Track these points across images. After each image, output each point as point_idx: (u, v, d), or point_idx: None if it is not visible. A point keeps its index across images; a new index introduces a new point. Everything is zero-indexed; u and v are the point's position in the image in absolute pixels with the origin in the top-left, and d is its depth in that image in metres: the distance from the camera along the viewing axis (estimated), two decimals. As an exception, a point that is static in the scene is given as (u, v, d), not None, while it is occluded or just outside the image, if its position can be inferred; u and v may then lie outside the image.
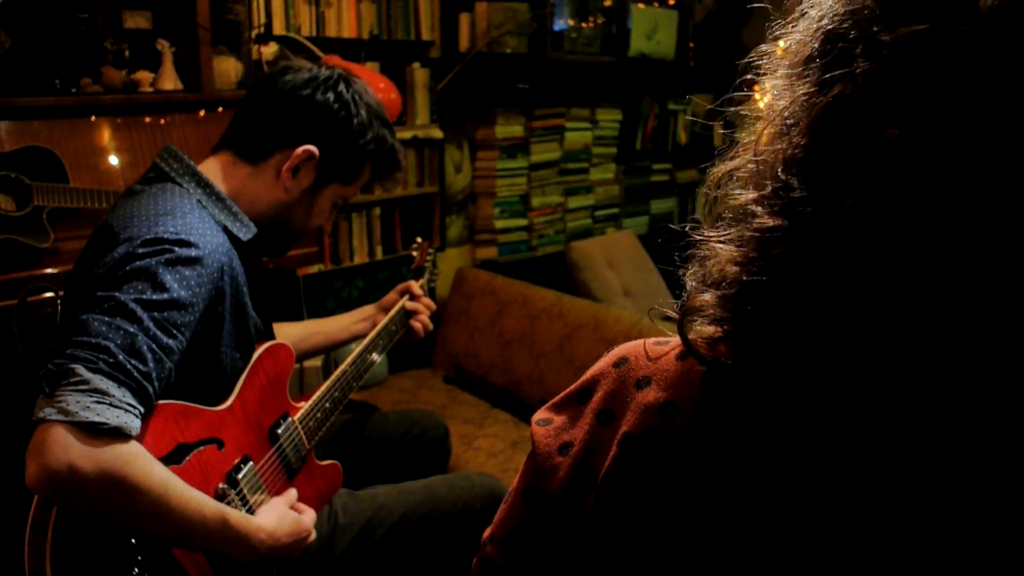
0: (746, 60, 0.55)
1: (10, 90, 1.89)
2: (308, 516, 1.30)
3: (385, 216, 2.99)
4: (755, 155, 0.52)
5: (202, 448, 1.15)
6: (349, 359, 1.58)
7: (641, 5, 3.78)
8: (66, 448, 0.93)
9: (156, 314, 1.05)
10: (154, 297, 1.06)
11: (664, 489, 0.51)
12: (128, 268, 1.08)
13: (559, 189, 3.64)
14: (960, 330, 0.42)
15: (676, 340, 0.56)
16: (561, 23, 3.45)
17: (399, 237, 3.04)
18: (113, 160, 2.05)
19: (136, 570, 1.05)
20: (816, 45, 0.48)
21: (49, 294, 1.73)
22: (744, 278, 0.49)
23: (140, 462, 0.99)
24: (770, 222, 0.48)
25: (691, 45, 4.12)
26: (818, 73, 0.48)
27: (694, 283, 0.54)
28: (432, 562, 1.46)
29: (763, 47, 0.55)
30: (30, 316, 1.66)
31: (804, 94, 0.48)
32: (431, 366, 2.99)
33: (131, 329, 1.02)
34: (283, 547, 1.20)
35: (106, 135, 2.05)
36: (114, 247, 1.12)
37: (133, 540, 1.05)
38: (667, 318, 0.58)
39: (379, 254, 2.98)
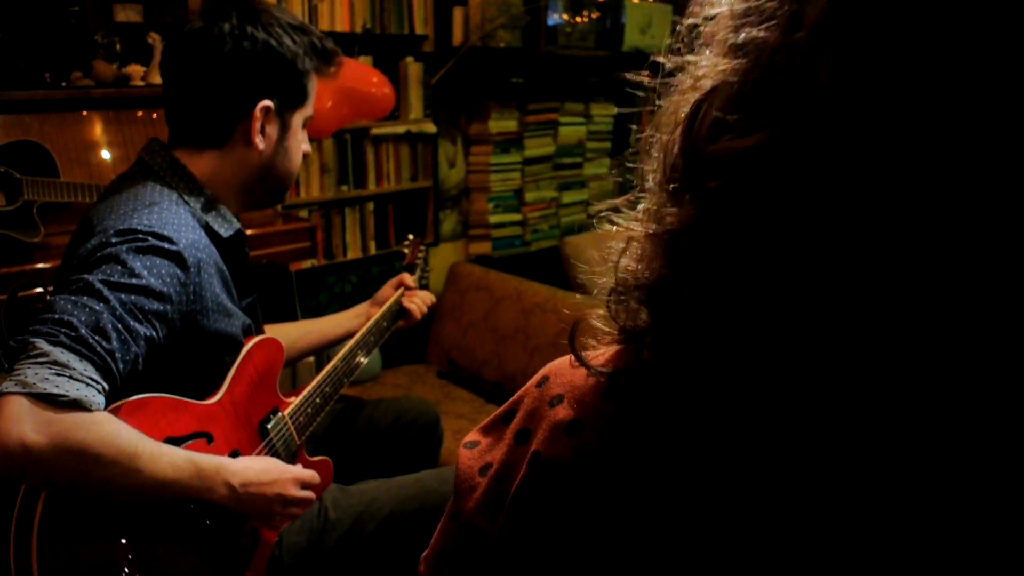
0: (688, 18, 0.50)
1: (0, 84, 1.88)
2: (307, 472, 1.27)
3: (378, 211, 2.98)
4: (649, 139, 0.49)
5: (191, 442, 1.15)
6: (340, 355, 1.57)
7: (635, -1, 3.77)
8: (18, 420, 0.90)
9: (123, 296, 1.04)
10: (122, 280, 1.05)
11: (567, 509, 0.50)
12: (99, 255, 1.07)
13: (553, 184, 3.64)
14: (834, 324, 0.40)
15: (594, 354, 0.54)
16: (555, 17, 3.45)
17: (392, 232, 3.04)
18: (104, 154, 2.04)
19: (127, 569, 1.04)
20: (730, 21, 0.44)
21: (39, 289, 1.72)
22: (629, 282, 0.48)
23: (104, 427, 0.96)
24: (641, 229, 0.47)
25: (685, 40, 4.11)
26: (720, 54, 0.44)
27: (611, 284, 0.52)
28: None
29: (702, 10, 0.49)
30: (20, 311, 1.65)
31: (696, 80, 0.45)
32: (425, 361, 2.99)
33: (97, 307, 1.01)
34: (260, 487, 1.16)
35: (97, 129, 2.04)
36: (89, 238, 1.12)
37: (123, 540, 1.05)
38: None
39: (372, 249, 2.98)
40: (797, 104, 0.39)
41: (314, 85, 1.37)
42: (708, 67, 0.44)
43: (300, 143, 1.38)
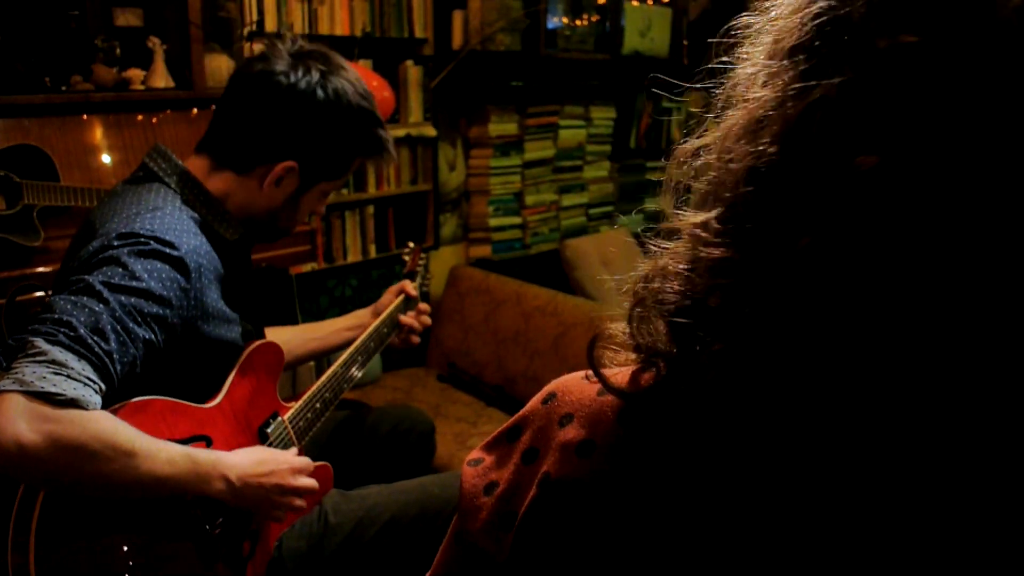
0: (730, 26, 0.47)
1: (0, 88, 1.88)
2: (300, 459, 1.27)
3: (379, 215, 2.98)
4: (723, 151, 0.45)
5: (190, 445, 1.15)
6: (340, 360, 1.57)
7: (635, 2, 3.77)
8: (14, 418, 0.90)
9: (123, 298, 1.04)
10: (123, 283, 1.05)
11: (579, 532, 0.48)
12: (100, 257, 1.08)
13: (553, 187, 3.64)
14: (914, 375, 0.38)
15: (610, 372, 0.52)
16: (555, 21, 3.45)
17: (392, 235, 3.04)
18: (105, 158, 2.04)
19: (125, 574, 1.04)
20: (805, 31, 0.41)
21: (39, 293, 1.72)
22: (685, 303, 0.45)
23: (100, 423, 0.96)
24: (717, 252, 0.43)
25: (685, 43, 4.12)
26: (803, 68, 0.40)
27: (632, 299, 0.49)
28: (425, 562, 1.45)
29: (748, 18, 0.46)
30: (20, 315, 1.65)
31: (785, 89, 0.41)
32: (425, 364, 2.99)
33: (96, 308, 1.01)
34: (257, 478, 1.15)
35: (97, 133, 2.04)
36: (91, 240, 1.12)
37: (122, 544, 1.04)
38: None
39: (372, 253, 2.98)
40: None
41: (354, 166, 1.39)
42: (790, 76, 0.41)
43: (312, 205, 1.40)
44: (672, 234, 0.48)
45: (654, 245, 0.49)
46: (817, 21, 0.40)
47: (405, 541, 1.42)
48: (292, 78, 1.25)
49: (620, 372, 0.52)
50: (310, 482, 1.25)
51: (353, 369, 1.60)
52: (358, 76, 1.34)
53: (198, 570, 1.15)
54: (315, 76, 1.27)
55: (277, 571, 1.33)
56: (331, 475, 1.46)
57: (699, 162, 0.48)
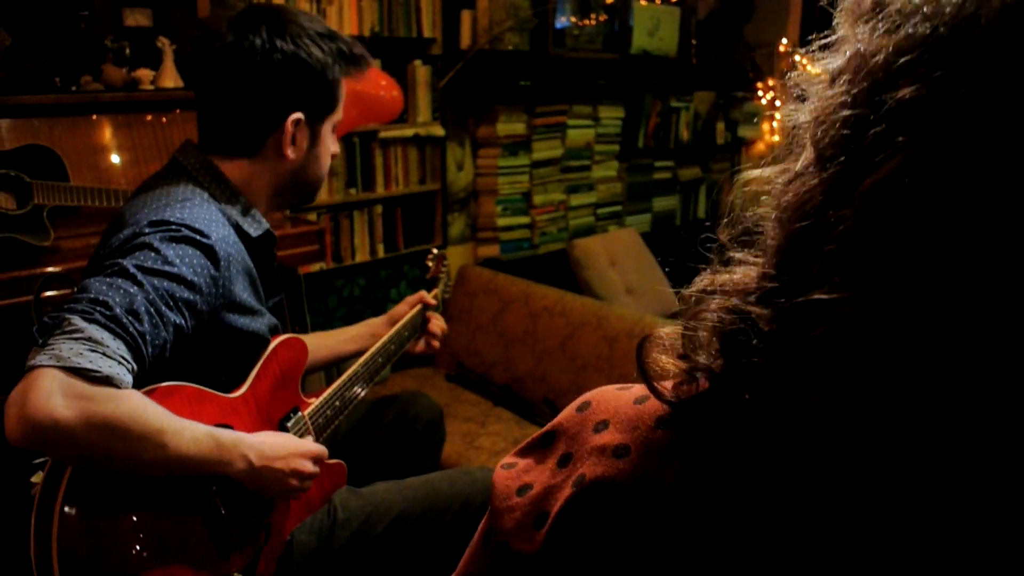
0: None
1: (10, 88, 1.89)
2: (316, 446, 1.28)
3: (387, 214, 2.98)
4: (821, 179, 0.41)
5: None
6: (362, 360, 1.57)
7: (643, 2, 3.77)
8: (50, 394, 0.90)
9: (156, 281, 1.05)
10: (156, 267, 1.06)
11: (613, 533, 0.49)
12: (133, 243, 1.09)
13: (561, 187, 3.64)
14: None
15: (639, 385, 0.53)
16: (563, 20, 3.45)
17: (400, 235, 3.04)
18: (114, 158, 2.05)
19: (142, 558, 1.04)
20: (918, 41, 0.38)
21: (52, 292, 1.73)
22: (743, 319, 0.44)
23: (132, 402, 0.97)
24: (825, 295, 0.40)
25: (693, 42, 4.11)
26: (920, 84, 0.37)
27: (688, 310, 0.49)
28: (433, 557, 1.46)
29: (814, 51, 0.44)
30: (42, 312, 1.66)
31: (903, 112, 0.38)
32: (433, 364, 2.99)
33: (131, 290, 1.02)
34: (275, 460, 1.16)
35: (107, 133, 2.05)
36: (122, 230, 1.14)
37: (140, 530, 1.05)
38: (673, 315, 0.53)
39: (381, 252, 2.98)
40: None
41: (343, 90, 1.39)
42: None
43: (329, 147, 1.40)
44: (736, 261, 0.48)
45: (715, 264, 0.49)
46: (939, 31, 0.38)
47: (412, 536, 1.42)
48: (246, 44, 1.25)
49: (659, 384, 0.52)
50: (317, 469, 1.27)
51: (356, 388, 1.60)
52: (302, 12, 1.36)
53: (212, 561, 1.15)
54: (263, 32, 1.27)
55: (288, 564, 1.33)
56: (345, 472, 1.46)
57: (777, 189, 0.47)
